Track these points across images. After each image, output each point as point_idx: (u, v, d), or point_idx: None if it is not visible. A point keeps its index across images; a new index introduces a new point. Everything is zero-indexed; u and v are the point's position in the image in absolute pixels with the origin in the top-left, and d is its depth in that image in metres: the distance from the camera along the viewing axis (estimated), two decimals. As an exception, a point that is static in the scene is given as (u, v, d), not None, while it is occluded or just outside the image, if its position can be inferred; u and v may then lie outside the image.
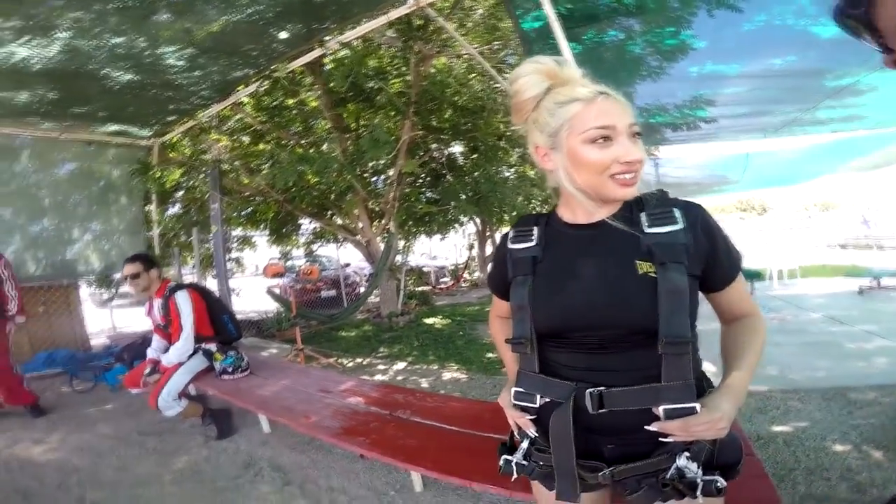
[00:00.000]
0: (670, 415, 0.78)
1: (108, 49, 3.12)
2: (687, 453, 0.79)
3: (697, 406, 0.77)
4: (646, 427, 0.79)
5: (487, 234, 12.03)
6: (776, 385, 3.38)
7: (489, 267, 1.15)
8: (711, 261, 0.85)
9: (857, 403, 2.95)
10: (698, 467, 0.78)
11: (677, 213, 0.84)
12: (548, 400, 0.90)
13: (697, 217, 0.85)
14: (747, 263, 8.64)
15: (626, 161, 0.82)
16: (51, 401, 3.95)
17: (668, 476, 0.79)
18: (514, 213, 6.71)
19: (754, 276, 7.27)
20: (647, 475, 0.83)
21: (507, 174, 7.65)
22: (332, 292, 9.90)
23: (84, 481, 2.52)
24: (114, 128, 5.13)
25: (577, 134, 0.83)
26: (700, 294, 0.89)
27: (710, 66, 2.82)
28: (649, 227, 0.84)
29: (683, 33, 2.58)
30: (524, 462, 0.93)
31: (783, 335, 4.85)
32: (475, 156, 7.07)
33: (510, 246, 0.98)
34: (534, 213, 1.03)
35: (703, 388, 0.86)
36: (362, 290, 10.19)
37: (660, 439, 0.80)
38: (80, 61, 3.23)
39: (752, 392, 3.24)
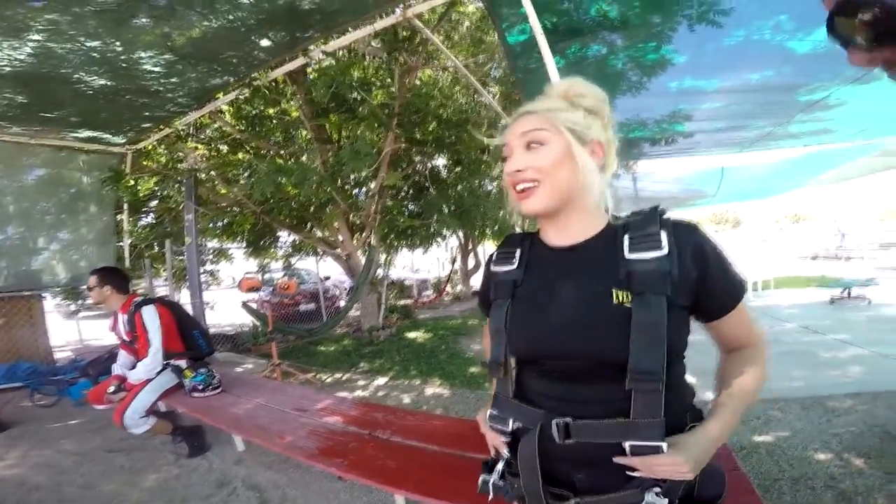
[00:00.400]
0: (636, 451, 0.76)
1: (83, 52, 3.02)
2: (657, 489, 0.76)
3: (664, 446, 0.74)
4: (613, 460, 0.77)
5: (470, 247, 12.05)
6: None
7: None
8: (702, 290, 0.79)
9: (836, 412, 3.02)
10: (671, 503, 0.76)
11: (664, 236, 0.78)
12: (520, 425, 0.88)
13: (688, 242, 0.79)
14: None
15: (507, 172, 0.86)
16: (11, 415, 3.82)
17: None
18: (496, 228, 6.73)
19: None
20: None
21: (489, 188, 7.67)
22: (312, 306, 9.71)
23: (45, 499, 2.42)
24: (86, 134, 4.96)
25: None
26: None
27: (689, 80, 2.88)
28: (630, 251, 0.80)
29: (664, 48, 2.63)
30: (500, 483, 0.92)
31: None
32: (458, 169, 7.08)
33: (493, 268, 0.98)
34: (519, 233, 1.00)
35: (684, 422, 0.82)
36: (342, 303, 10.03)
37: (628, 473, 0.77)
38: (53, 64, 3.12)
39: (748, 405, 3.30)
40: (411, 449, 2.08)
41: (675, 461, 0.72)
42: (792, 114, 3.38)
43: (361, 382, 4.78)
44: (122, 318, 2.93)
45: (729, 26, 2.34)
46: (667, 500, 0.75)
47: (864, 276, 8.26)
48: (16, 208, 5.10)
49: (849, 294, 7.29)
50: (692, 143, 4.07)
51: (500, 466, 0.92)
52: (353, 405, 2.83)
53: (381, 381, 4.80)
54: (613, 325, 0.77)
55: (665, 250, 0.77)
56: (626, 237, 0.81)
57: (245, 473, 2.64)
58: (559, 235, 0.89)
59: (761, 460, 2.45)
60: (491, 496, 0.92)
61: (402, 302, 10.90)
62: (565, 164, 0.82)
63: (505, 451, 0.90)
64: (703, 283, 0.79)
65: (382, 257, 7.95)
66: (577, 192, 0.84)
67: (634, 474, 0.76)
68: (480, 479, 0.94)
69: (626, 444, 0.76)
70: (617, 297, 0.77)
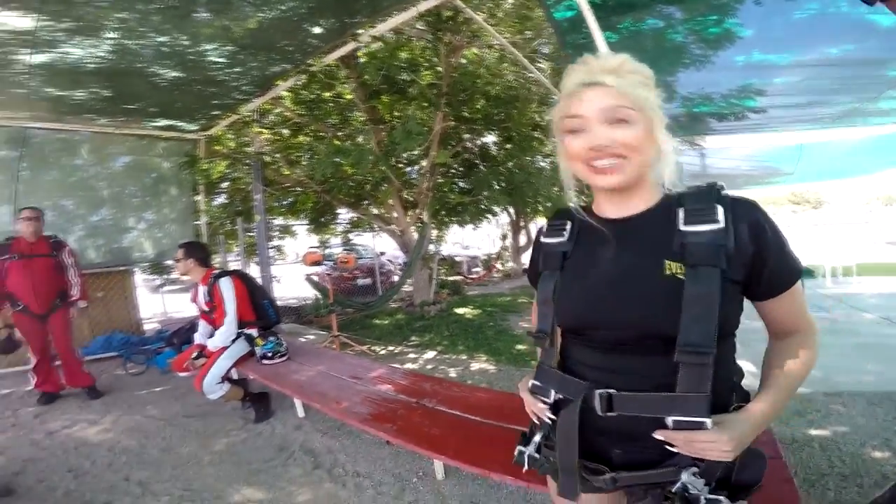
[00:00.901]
0: (678, 427, 0.75)
1: (154, 47, 3.29)
2: (695, 468, 0.75)
3: (708, 422, 0.73)
4: (654, 434, 0.76)
5: (521, 224, 11.89)
6: (819, 388, 3.22)
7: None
8: (758, 266, 0.78)
9: (906, 410, 2.79)
10: (705, 484, 0.75)
11: (720, 210, 0.77)
12: (561, 396, 0.90)
13: (746, 216, 0.78)
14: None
15: (590, 147, 0.80)
16: (106, 383, 4.18)
17: (673, 489, 0.77)
18: (549, 204, 6.61)
19: (806, 273, 6.80)
20: (653, 485, 0.81)
21: (542, 164, 7.52)
22: (368, 280, 10.09)
23: (131, 461, 2.68)
24: (163, 123, 5.44)
25: (558, 127, 0.86)
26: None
27: (757, 55, 2.67)
28: (685, 224, 0.79)
29: (728, 21, 2.46)
30: (536, 455, 0.94)
31: (832, 336, 4.58)
32: (509, 146, 6.99)
33: (543, 240, 0.99)
34: (571, 206, 0.99)
35: (730, 401, 0.81)
36: (396, 278, 10.34)
37: (668, 449, 0.76)
38: (129, 60, 3.42)
39: (795, 392, 3.12)
40: (454, 418, 2.19)
41: (718, 438, 0.71)
42: (881, 89, 3.05)
43: (412, 355, 4.97)
44: (202, 289, 3.21)
45: (801, -1, 2.16)
46: (703, 481, 0.75)
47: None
48: (108, 192, 5.69)
49: (943, 283, 6.53)
50: (765, 119, 3.76)
51: (537, 438, 0.94)
52: (403, 375, 2.97)
53: (430, 354, 4.96)
54: (664, 296, 0.76)
55: (721, 224, 0.76)
56: (682, 210, 0.80)
57: (303, 439, 2.86)
58: (617, 208, 0.88)
59: (812, 454, 2.34)
60: (526, 467, 0.94)
61: (452, 278, 11.05)
62: (650, 142, 0.81)
63: (546, 416, 0.90)
64: (758, 260, 0.78)
65: (434, 233, 8.08)
66: (649, 168, 0.84)
67: (674, 450, 0.75)
68: (517, 449, 0.96)
69: (669, 419, 0.75)
70: (669, 269, 0.77)
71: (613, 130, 0.79)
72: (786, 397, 0.80)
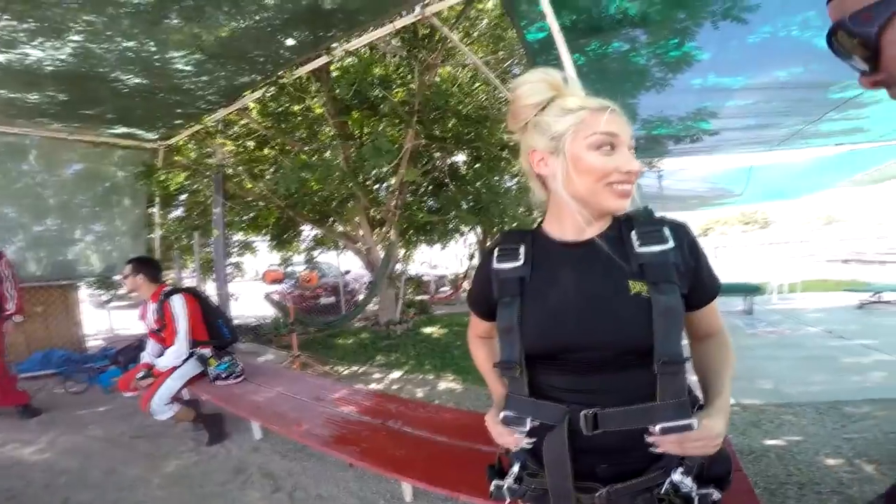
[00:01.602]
0: (667, 432, 0.78)
1: (119, 52, 3.17)
2: (681, 468, 0.79)
3: (694, 422, 0.77)
4: (646, 439, 0.79)
5: (488, 243, 12.01)
6: (770, 399, 3.40)
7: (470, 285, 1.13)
8: (695, 280, 0.86)
9: (852, 417, 2.96)
10: (693, 481, 0.79)
11: (667, 231, 0.84)
12: (538, 423, 0.87)
13: (685, 236, 0.86)
14: (747, 278, 8.56)
15: (626, 171, 0.82)
16: (44, 401, 3.95)
17: (663, 491, 0.80)
18: (515, 224, 6.71)
19: (754, 290, 7.23)
20: (641, 491, 0.82)
21: (509, 184, 7.66)
22: (332, 299, 9.88)
23: (71, 483, 2.51)
24: (121, 130, 5.17)
25: (583, 138, 0.83)
26: None
27: (713, 78, 2.82)
28: (640, 245, 0.84)
29: (687, 44, 2.58)
30: (515, 486, 0.91)
31: (780, 349, 4.86)
32: (477, 165, 7.09)
33: (495, 266, 0.94)
34: (517, 229, 1.00)
35: (693, 402, 0.87)
36: (361, 297, 10.17)
37: (652, 450, 0.80)
38: (91, 64, 3.28)
39: (745, 406, 3.27)
40: (421, 439, 2.13)
41: (708, 434, 0.77)
42: (823, 112, 3.28)
43: (377, 375, 4.86)
44: (152, 306, 3.06)
45: (754, 23, 2.29)
46: (690, 478, 0.79)
47: (897, 281, 7.96)
48: (55, 201, 5.34)
49: (879, 299, 7.04)
50: (718, 141, 3.98)
51: (515, 469, 0.91)
52: (367, 395, 2.89)
53: (396, 374, 4.87)
54: (636, 313, 0.80)
55: (672, 244, 0.83)
56: (634, 233, 0.85)
57: (261, 461, 2.73)
58: (580, 231, 0.89)
59: (770, 464, 2.42)
60: (507, 500, 0.92)
61: (419, 297, 10.97)
62: None
63: (526, 443, 0.88)
64: (695, 275, 0.86)
65: (401, 252, 8.03)
66: None
67: (659, 452, 0.79)
68: (492, 485, 0.93)
69: (657, 427, 0.78)
70: (634, 288, 0.81)
71: (633, 157, 0.84)
72: (730, 388, 0.88)
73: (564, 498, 0.84)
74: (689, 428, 0.77)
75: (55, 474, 2.62)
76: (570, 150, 0.84)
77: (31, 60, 3.10)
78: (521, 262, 0.92)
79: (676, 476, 0.79)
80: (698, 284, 0.87)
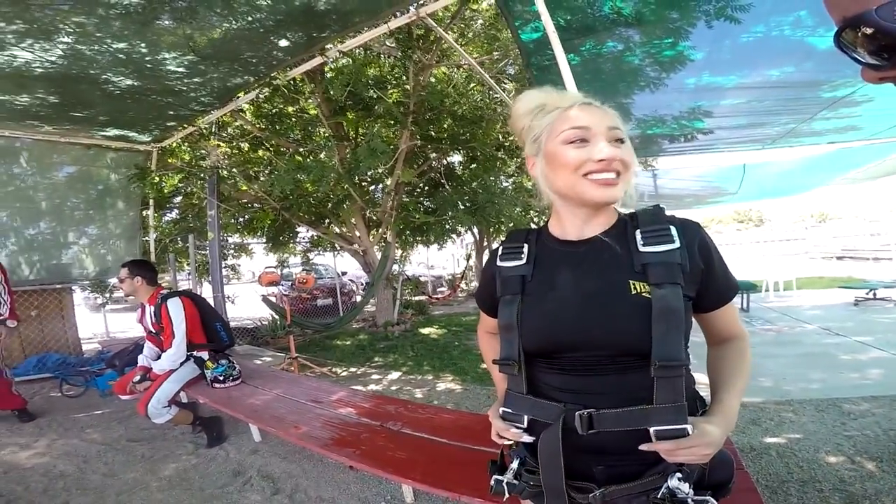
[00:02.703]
0: (661, 436, 0.77)
1: (110, 54, 3.14)
2: (679, 474, 0.78)
3: (689, 428, 0.76)
4: (640, 447, 0.78)
5: (485, 244, 12.05)
6: (770, 396, 3.40)
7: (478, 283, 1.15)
8: (706, 282, 0.84)
9: (851, 414, 2.97)
10: (689, 487, 0.77)
11: (674, 231, 0.82)
12: (535, 421, 0.88)
13: (695, 236, 0.84)
14: (743, 276, 8.59)
15: (598, 159, 0.81)
16: (40, 406, 3.93)
17: (658, 496, 0.78)
18: (511, 224, 6.73)
19: (749, 288, 7.28)
20: (637, 494, 0.82)
21: (505, 184, 7.67)
22: (329, 301, 9.87)
23: (70, 487, 2.49)
24: (114, 132, 5.14)
25: (555, 136, 0.85)
26: None
27: (707, 77, 2.83)
28: (644, 245, 0.83)
29: (681, 44, 2.60)
30: (515, 482, 0.91)
31: (778, 347, 4.86)
32: (473, 165, 7.09)
33: (499, 264, 0.97)
34: (524, 228, 1.02)
35: (695, 408, 0.86)
36: (359, 298, 10.16)
37: (650, 458, 0.79)
38: (82, 66, 3.25)
39: (745, 404, 3.25)
40: (420, 441, 2.12)
41: (700, 442, 0.74)
42: (815, 111, 3.30)
43: (375, 376, 4.85)
44: (149, 309, 3.05)
45: (747, 22, 2.30)
46: (687, 485, 0.77)
47: (892, 278, 8.01)
48: (48, 204, 5.29)
49: (874, 295, 7.08)
50: (712, 140, 4.00)
51: (514, 465, 0.92)
52: (366, 397, 2.89)
53: (395, 375, 4.86)
54: (635, 314, 0.78)
55: (677, 244, 0.81)
56: (638, 232, 0.84)
57: (260, 463, 2.72)
58: (580, 229, 0.89)
59: (771, 462, 2.43)
60: (506, 496, 0.92)
61: (416, 298, 10.98)
62: (633, 164, 0.86)
63: (526, 437, 0.89)
64: (707, 276, 0.84)
65: (398, 253, 8.02)
66: None
67: (663, 456, 0.78)
68: (492, 480, 0.93)
69: (652, 430, 0.77)
70: (634, 288, 0.80)
71: (614, 148, 0.83)
72: (740, 399, 0.86)
73: (558, 496, 0.84)
74: (683, 433, 0.75)
75: (53, 478, 2.61)
76: (546, 148, 0.87)
77: (20, 62, 3.07)
78: (524, 261, 0.93)
79: (673, 482, 0.77)
80: (711, 286, 0.85)
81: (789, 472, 2.31)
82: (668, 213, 0.89)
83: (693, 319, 0.89)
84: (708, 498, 0.77)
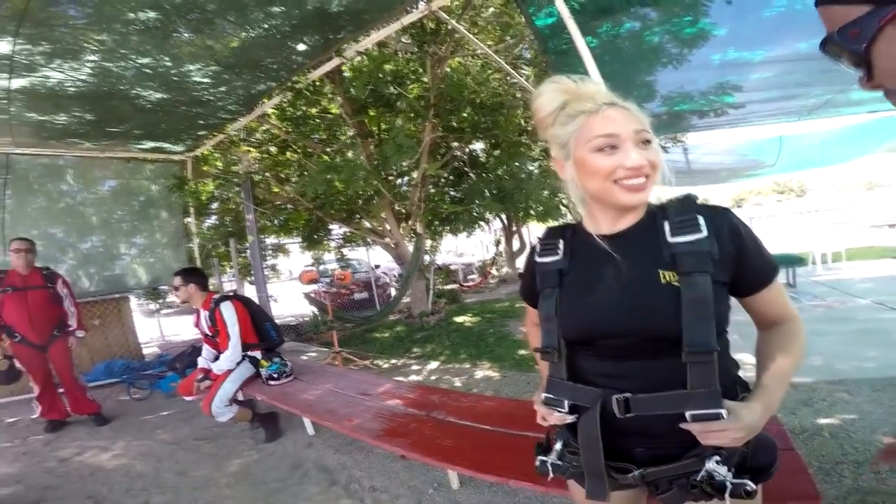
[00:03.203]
0: (697, 419, 0.80)
1: (136, 69, 3.27)
2: (717, 457, 0.80)
3: (723, 412, 0.78)
4: (680, 426, 0.80)
5: (514, 229, 11.97)
6: (822, 376, 3.23)
7: (521, 276, 1.20)
8: (740, 266, 0.85)
9: (912, 394, 2.78)
10: (729, 470, 0.79)
11: (701, 220, 0.84)
12: (577, 405, 0.92)
13: (724, 223, 0.85)
14: (788, 248, 8.16)
15: (629, 167, 0.83)
16: (112, 409, 4.16)
17: (697, 478, 0.81)
18: (541, 209, 6.68)
19: (796, 261, 6.74)
20: (677, 476, 0.85)
21: (530, 168, 7.60)
22: (365, 294, 10.10)
23: (148, 486, 2.67)
24: (149, 145, 5.39)
25: (584, 143, 0.87)
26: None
27: (732, 52, 2.75)
28: (672, 235, 0.85)
29: (702, 21, 2.53)
30: (559, 462, 0.96)
31: (829, 323, 4.57)
32: (497, 152, 7.06)
33: (537, 260, 1.02)
34: (560, 225, 1.06)
35: (735, 392, 0.87)
36: (393, 290, 10.34)
37: (688, 441, 0.81)
38: (111, 82, 3.40)
39: (795, 384, 3.11)
40: (465, 428, 2.20)
41: (730, 426, 0.76)
42: (851, 80, 3.15)
43: (415, 367, 4.97)
44: (204, 314, 3.21)
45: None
46: (726, 468, 0.79)
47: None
48: (97, 218, 5.63)
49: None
50: (744, 114, 3.86)
51: (558, 446, 0.97)
52: (410, 388, 2.98)
53: (434, 365, 4.97)
54: (665, 303, 0.81)
55: (705, 233, 0.83)
56: (667, 223, 0.86)
57: (316, 456, 2.85)
58: (613, 224, 0.92)
59: (824, 443, 2.35)
60: (550, 475, 0.96)
61: (448, 287, 11.07)
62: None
63: (569, 419, 0.93)
64: (740, 261, 0.84)
65: (428, 243, 8.12)
66: None
67: (698, 438, 0.80)
68: (538, 460, 0.98)
69: (688, 414, 0.80)
70: (664, 278, 0.83)
71: (642, 151, 0.85)
72: (785, 384, 0.86)
73: (597, 476, 0.87)
74: (717, 416, 0.77)
75: (133, 479, 2.78)
76: (575, 155, 0.89)
77: (52, 83, 3.24)
78: (560, 255, 0.98)
79: (711, 464, 0.79)
80: (747, 269, 0.86)
81: (843, 454, 2.22)
82: (699, 200, 0.89)
83: (735, 304, 0.91)
84: (746, 481, 0.78)
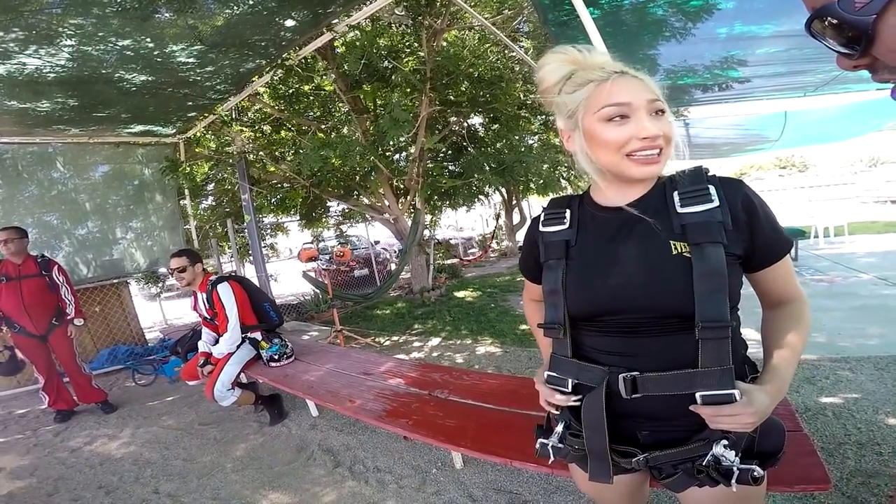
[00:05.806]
0: (708, 401, 0.76)
1: (117, 52, 3.14)
2: (725, 441, 0.78)
3: (737, 393, 0.75)
4: (690, 408, 0.78)
5: (513, 202, 11.89)
6: (825, 353, 3.20)
7: (521, 248, 1.15)
8: (753, 239, 0.81)
9: (916, 373, 2.74)
10: (736, 455, 0.77)
11: (712, 190, 0.80)
12: (581, 384, 0.90)
13: (737, 193, 0.81)
14: (790, 222, 8.06)
15: (643, 137, 0.79)
16: (118, 396, 4.20)
17: (703, 463, 0.79)
18: (541, 182, 6.60)
19: (798, 234, 6.68)
20: (682, 461, 0.84)
21: (530, 142, 7.48)
22: (365, 271, 10.10)
23: (157, 474, 2.70)
24: (138, 128, 5.25)
25: (592, 113, 0.82)
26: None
27: (739, 26, 2.65)
28: (682, 206, 0.82)
29: (708, -7, 2.43)
30: (560, 445, 0.94)
31: (831, 299, 4.53)
32: (496, 126, 6.93)
33: (542, 229, 0.97)
34: (566, 195, 1.01)
35: (744, 373, 0.84)
36: (393, 266, 10.34)
37: (692, 408, 0.78)
38: (92, 66, 3.28)
39: (799, 361, 3.06)
40: (468, 407, 2.19)
41: (743, 411, 0.73)
42: None
43: (417, 344, 5.00)
44: (201, 296, 3.16)
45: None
46: (734, 453, 0.77)
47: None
48: (91, 204, 5.55)
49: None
50: (749, 89, 3.78)
51: (559, 428, 0.94)
52: (412, 366, 2.97)
53: (435, 341, 4.99)
54: (677, 274, 0.78)
55: (716, 202, 0.79)
56: (676, 194, 0.83)
57: (320, 438, 2.89)
58: (622, 195, 0.88)
59: (827, 423, 2.32)
60: (551, 459, 0.94)
61: (448, 261, 11.07)
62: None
63: (571, 400, 0.89)
64: (753, 233, 0.81)
65: (427, 218, 8.06)
66: None
67: (707, 421, 0.77)
68: (538, 443, 0.95)
69: (698, 395, 0.76)
70: (675, 248, 0.80)
71: (656, 121, 0.80)
72: (794, 367, 0.83)
73: (602, 459, 0.85)
74: (730, 399, 0.74)
75: (141, 466, 2.81)
76: (584, 126, 0.84)
77: (30, 69, 3.12)
78: (567, 225, 0.94)
79: (718, 449, 0.77)
80: (759, 242, 0.82)
81: (846, 434, 2.21)
82: (710, 173, 0.86)
83: (744, 280, 0.88)
84: (753, 466, 0.76)
